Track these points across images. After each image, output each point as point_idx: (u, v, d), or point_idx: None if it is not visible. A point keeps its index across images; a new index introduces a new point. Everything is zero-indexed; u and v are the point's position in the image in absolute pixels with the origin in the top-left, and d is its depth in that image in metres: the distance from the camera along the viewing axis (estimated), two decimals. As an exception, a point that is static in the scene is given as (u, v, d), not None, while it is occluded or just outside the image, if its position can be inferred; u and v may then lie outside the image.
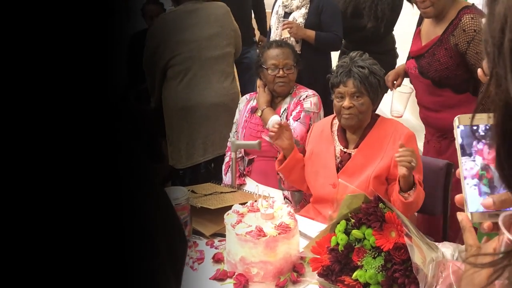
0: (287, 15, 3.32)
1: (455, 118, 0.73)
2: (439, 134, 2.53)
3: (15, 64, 0.42)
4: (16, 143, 0.43)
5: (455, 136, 0.73)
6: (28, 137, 0.43)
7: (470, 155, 0.72)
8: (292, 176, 2.31)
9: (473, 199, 0.71)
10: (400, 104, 2.67)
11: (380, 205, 1.56)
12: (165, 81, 3.02)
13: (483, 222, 0.71)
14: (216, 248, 1.88)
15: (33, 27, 0.43)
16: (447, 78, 2.36)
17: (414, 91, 2.62)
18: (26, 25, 0.42)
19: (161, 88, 3.05)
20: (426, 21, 2.49)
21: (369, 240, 1.54)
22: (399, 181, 1.92)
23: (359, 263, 1.55)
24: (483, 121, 0.69)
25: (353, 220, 1.59)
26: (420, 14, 2.56)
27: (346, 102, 2.10)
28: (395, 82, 2.67)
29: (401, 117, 2.70)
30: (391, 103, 2.73)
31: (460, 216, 0.75)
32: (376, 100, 2.16)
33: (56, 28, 0.44)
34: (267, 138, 2.54)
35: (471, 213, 0.72)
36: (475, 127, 0.71)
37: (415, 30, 2.61)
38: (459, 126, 0.73)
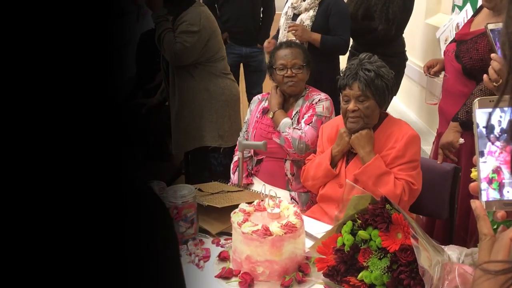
0: (295, 16, 3.32)
1: (474, 101, 0.72)
2: None
3: (17, 65, 0.43)
4: (17, 144, 0.43)
5: (473, 120, 0.72)
6: (28, 139, 0.43)
7: (482, 155, 0.71)
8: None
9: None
10: (432, 92, 2.71)
11: (387, 206, 1.56)
12: (208, 73, 3.07)
13: (497, 210, 0.71)
14: (222, 246, 1.89)
15: (40, 28, 0.43)
16: (477, 70, 2.34)
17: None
18: (33, 27, 0.43)
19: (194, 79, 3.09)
20: (482, 13, 2.49)
21: (375, 241, 1.54)
22: None
23: (364, 264, 1.55)
24: (504, 103, 0.68)
25: (359, 221, 1.59)
26: (478, 7, 2.58)
27: (351, 105, 2.11)
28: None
29: (436, 104, 2.72)
30: (426, 91, 2.78)
31: (474, 204, 0.74)
32: (383, 103, 2.16)
33: (62, 29, 0.45)
34: (277, 140, 2.54)
35: (485, 201, 0.71)
36: (489, 127, 0.70)
37: (469, 19, 2.62)
38: (478, 109, 0.72)
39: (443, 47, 3.39)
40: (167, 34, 2.91)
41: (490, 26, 1.55)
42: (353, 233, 1.60)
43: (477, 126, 0.71)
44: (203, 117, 3.09)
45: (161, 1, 2.94)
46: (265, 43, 3.41)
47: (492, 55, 1.62)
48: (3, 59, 0.42)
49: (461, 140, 2.34)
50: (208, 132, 3.10)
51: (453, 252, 1.59)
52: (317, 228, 1.93)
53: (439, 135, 2.71)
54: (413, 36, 4.10)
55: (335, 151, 2.22)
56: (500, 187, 0.70)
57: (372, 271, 1.52)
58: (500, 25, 1.56)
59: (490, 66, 1.64)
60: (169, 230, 0.56)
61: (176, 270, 0.56)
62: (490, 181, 0.71)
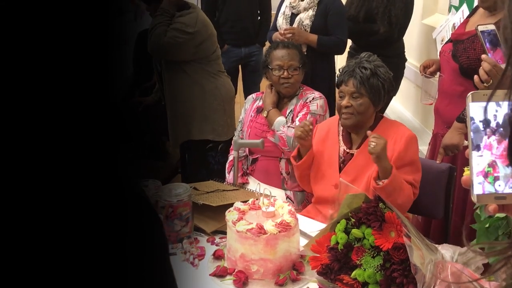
0: (293, 16, 3.33)
1: (468, 95, 0.72)
2: (446, 126, 2.53)
3: (16, 63, 0.43)
4: (15, 144, 0.43)
5: (466, 113, 0.72)
6: (25, 135, 0.44)
7: (478, 149, 0.72)
8: (305, 176, 2.32)
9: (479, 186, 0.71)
10: (428, 92, 2.72)
11: (380, 205, 1.56)
12: (202, 70, 3.10)
13: (488, 204, 0.71)
14: (216, 245, 1.90)
15: (40, 27, 0.43)
16: (474, 70, 2.34)
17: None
18: (33, 26, 0.43)
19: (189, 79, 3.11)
20: (478, 13, 2.50)
21: (368, 240, 1.55)
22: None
23: (358, 262, 1.56)
24: (498, 98, 0.68)
25: (353, 220, 1.60)
26: (474, 7, 2.59)
27: (344, 101, 2.14)
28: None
29: (431, 104, 2.73)
30: (421, 91, 2.79)
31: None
32: (377, 102, 2.17)
33: (61, 28, 0.45)
34: (272, 139, 2.55)
35: (477, 195, 0.71)
36: (487, 120, 0.71)
37: (464, 19, 2.63)
38: (472, 102, 0.72)
39: (439, 48, 3.39)
40: (161, 26, 2.92)
41: (481, 28, 1.56)
42: (346, 231, 1.61)
43: (471, 119, 0.72)
44: (196, 110, 3.11)
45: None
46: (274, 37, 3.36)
47: (482, 56, 1.62)
48: (2, 58, 0.42)
49: (466, 143, 2.35)
50: (201, 125, 3.12)
51: (446, 251, 1.60)
52: (312, 226, 1.94)
53: (435, 135, 2.71)
54: (410, 36, 4.11)
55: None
56: (495, 181, 0.71)
57: (365, 269, 1.53)
58: (490, 27, 1.57)
59: (481, 67, 1.65)
60: (155, 231, 0.56)
61: (164, 272, 0.56)
62: (486, 175, 0.71)
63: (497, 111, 0.70)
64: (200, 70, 3.08)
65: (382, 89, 2.15)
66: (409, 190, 2.04)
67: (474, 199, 0.72)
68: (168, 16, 2.95)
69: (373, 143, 1.94)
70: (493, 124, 0.71)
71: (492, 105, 0.70)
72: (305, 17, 3.25)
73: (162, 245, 0.58)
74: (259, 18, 4.34)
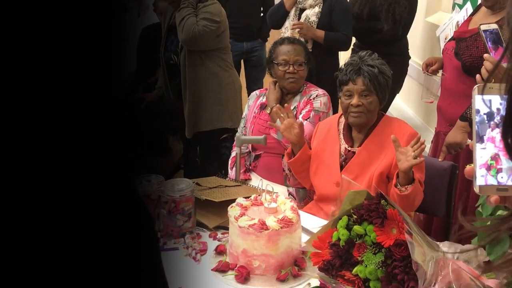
0: (300, 11, 3.33)
1: (474, 87, 0.73)
2: (449, 124, 2.53)
3: (16, 60, 0.43)
4: (14, 142, 0.43)
5: (472, 106, 0.73)
6: (24, 138, 0.44)
7: (482, 142, 0.72)
8: (301, 172, 2.32)
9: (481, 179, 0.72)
10: (430, 90, 2.72)
11: (382, 202, 1.57)
12: (219, 59, 3.17)
13: (491, 195, 0.72)
14: (219, 240, 1.90)
15: (41, 23, 0.43)
16: (476, 68, 2.33)
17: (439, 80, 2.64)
18: (33, 22, 0.43)
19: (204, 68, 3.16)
20: (481, 11, 2.50)
21: (370, 236, 1.56)
22: (397, 175, 1.95)
23: (359, 259, 1.56)
24: (498, 91, 0.69)
25: (355, 216, 1.61)
26: (477, 5, 2.59)
27: (354, 100, 2.11)
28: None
29: (431, 102, 2.73)
30: (422, 89, 2.78)
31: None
32: (383, 100, 2.17)
33: (62, 25, 0.45)
34: (275, 136, 2.55)
35: (479, 186, 0.72)
36: (489, 114, 0.72)
37: (467, 17, 2.62)
38: (477, 95, 0.73)
39: (442, 45, 3.39)
40: (190, 17, 3.01)
41: (483, 27, 1.57)
42: (348, 228, 1.61)
43: (477, 112, 0.73)
44: (215, 100, 3.17)
45: None
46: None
47: (485, 55, 1.62)
48: (2, 55, 0.42)
49: (469, 141, 2.35)
50: (220, 114, 3.19)
51: (448, 248, 1.61)
52: (314, 223, 1.94)
53: (437, 133, 2.71)
54: (413, 34, 4.10)
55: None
56: (497, 173, 0.72)
57: (366, 266, 1.54)
58: (492, 26, 1.58)
59: (483, 67, 1.65)
60: (149, 230, 0.57)
61: (155, 269, 0.57)
62: (488, 168, 0.72)
63: (502, 104, 0.71)
64: (218, 60, 3.16)
65: (386, 87, 2.15)
66: (421, 188, 2.02)
67: (476, 190, 0.73)
68: (193, 8, 3.04)
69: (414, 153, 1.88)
70: (497, 117, 0.71)
71: (496, 98, 0.71)
72: (312, 14, 3.26)
73: (154, 242, 0.59)
74: (261, 14, 4.35)
